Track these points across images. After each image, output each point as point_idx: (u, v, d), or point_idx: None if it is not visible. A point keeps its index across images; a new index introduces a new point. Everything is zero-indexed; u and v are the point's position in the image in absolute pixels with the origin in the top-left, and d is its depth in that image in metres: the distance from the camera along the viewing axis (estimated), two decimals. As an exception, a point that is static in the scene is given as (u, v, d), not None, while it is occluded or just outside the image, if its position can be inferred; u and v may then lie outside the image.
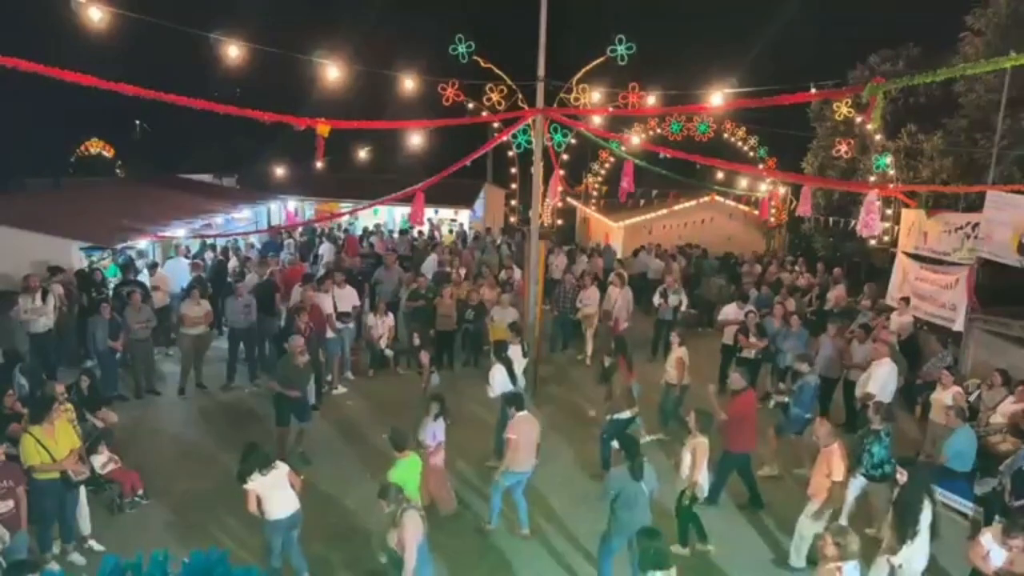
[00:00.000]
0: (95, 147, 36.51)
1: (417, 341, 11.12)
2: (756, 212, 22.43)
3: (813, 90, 11.12)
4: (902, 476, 6.39)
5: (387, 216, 23.54)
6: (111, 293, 12.17)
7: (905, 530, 6.14)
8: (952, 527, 7.79)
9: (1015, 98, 12.59)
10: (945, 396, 9.06)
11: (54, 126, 31.48)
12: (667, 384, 10.27)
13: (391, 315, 12.43)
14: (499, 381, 9.03)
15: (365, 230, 20.79)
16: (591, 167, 25.54)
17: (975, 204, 12.97)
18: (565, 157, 17.57)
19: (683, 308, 13.88)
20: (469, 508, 8.27)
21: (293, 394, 8.82)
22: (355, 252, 17.16)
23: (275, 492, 6.36)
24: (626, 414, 8.96)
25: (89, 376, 8.77)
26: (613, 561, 6.60)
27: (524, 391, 9.22)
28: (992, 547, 5.92)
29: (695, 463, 7.21)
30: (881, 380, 9.27)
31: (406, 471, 6.77)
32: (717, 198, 23.44)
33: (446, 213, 23.57)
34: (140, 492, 8.08)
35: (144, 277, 13.61)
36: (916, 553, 6.23)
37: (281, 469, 6.44)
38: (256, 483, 6.26)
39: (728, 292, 15.53)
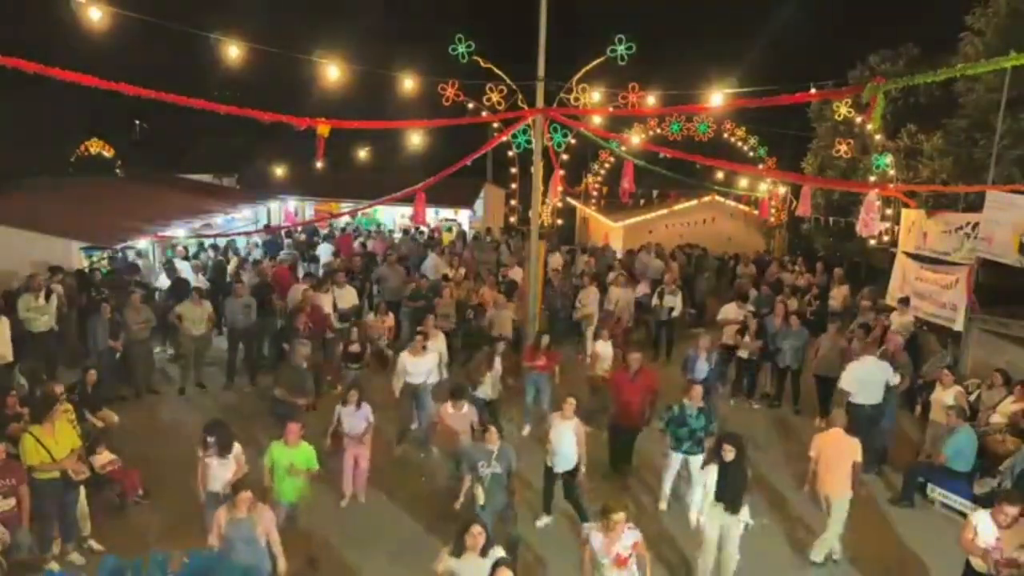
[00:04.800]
0: (95, 147, 36.35)
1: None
2: (756, 212, 22.43)
3: (813, 90, 11.13)
4: (730, 453, 6.56)
5: (385, 217, 23.53)
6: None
7: (741, 495, 6.63)
8: (952, 527, 7.78)
9: (1015, 98, 12.57)
10: (946, 396, 9.05)
11: (54, 126, 31.33)
12: None
13: (391, 314, 12.42)
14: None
15: (357, 230, 20.83)
16: (591, 167, 25.52)
17: (975, 204, 12.95)
18: (565, 157, 17.54)
19: (677, 309, 13.82)
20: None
21: (301, 402, 8.71)
22: (348, 252, 17.15)
23: (220, 473, 6.70)
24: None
25: (96, 370, 8.78)
26: None
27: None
28: (981, 521, 5.91)
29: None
30: (855, 375, 9.30)
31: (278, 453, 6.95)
32: (717, 198, 23.43)
33: (446, 213, 23.56)
34: (140, 492, 8.08)
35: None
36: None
37: (234, 451, 6.80)
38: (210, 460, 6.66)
39: (713, 285, 15.56)
